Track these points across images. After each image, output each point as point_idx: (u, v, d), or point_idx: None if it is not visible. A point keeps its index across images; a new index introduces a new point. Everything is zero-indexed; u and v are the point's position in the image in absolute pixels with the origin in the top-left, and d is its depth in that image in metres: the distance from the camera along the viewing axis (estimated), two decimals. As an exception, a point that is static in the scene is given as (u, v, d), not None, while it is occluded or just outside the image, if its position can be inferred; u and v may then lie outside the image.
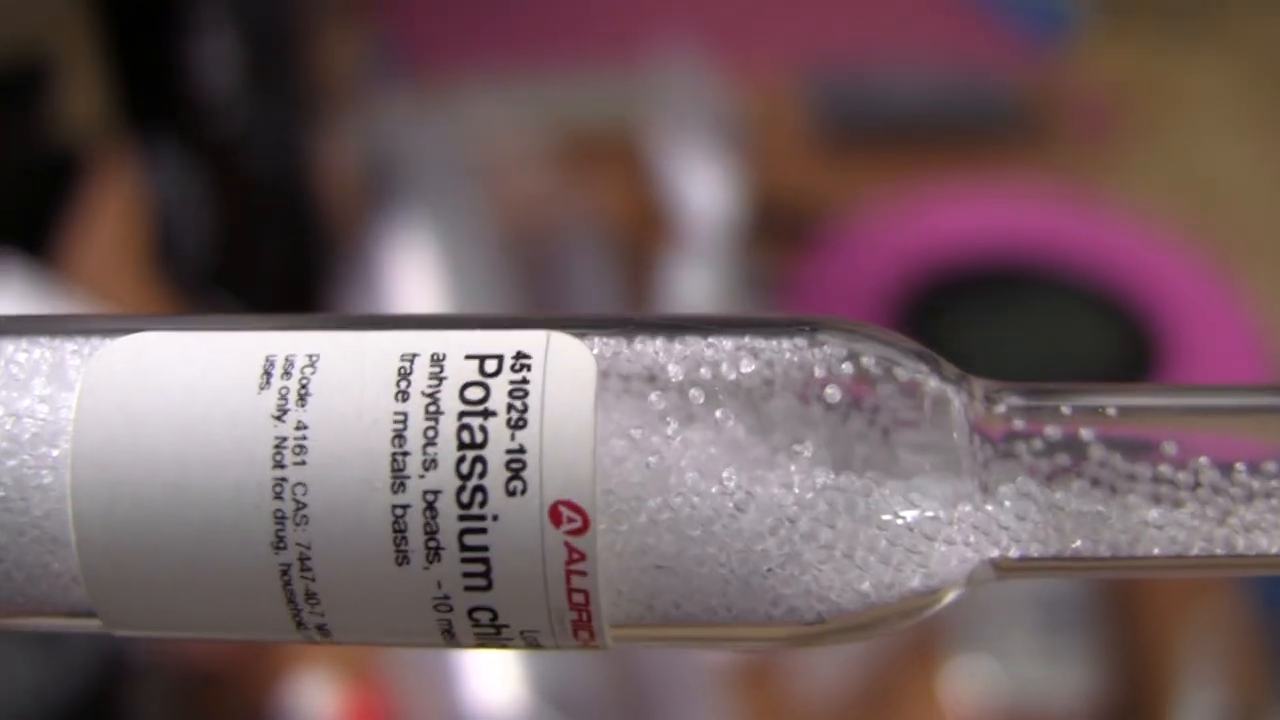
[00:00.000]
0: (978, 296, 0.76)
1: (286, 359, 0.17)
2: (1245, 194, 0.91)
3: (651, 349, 0.18)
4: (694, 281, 0.72)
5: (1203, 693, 0.56)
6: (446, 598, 0.17)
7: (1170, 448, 0.18)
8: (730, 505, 0.17)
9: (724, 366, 0.18)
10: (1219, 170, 0.93)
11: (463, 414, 0.17)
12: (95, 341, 0.18)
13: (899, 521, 0.18)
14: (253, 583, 0.17)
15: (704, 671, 0.56)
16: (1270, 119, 0.97)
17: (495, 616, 0.17)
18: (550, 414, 0.17)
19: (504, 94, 0.87)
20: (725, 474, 0.17)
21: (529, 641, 0.18)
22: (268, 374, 0.17)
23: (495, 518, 0.17)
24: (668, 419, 0.18)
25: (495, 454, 0.17)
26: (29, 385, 0.18)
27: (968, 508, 0.18)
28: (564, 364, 0.17)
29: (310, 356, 0.17)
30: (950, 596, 0.18)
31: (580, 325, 0.18)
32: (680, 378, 0.18)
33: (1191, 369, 0.71)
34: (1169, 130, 0.94)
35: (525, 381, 0.17)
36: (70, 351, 0.18)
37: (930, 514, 0.18)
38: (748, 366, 0.18)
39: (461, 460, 0.17)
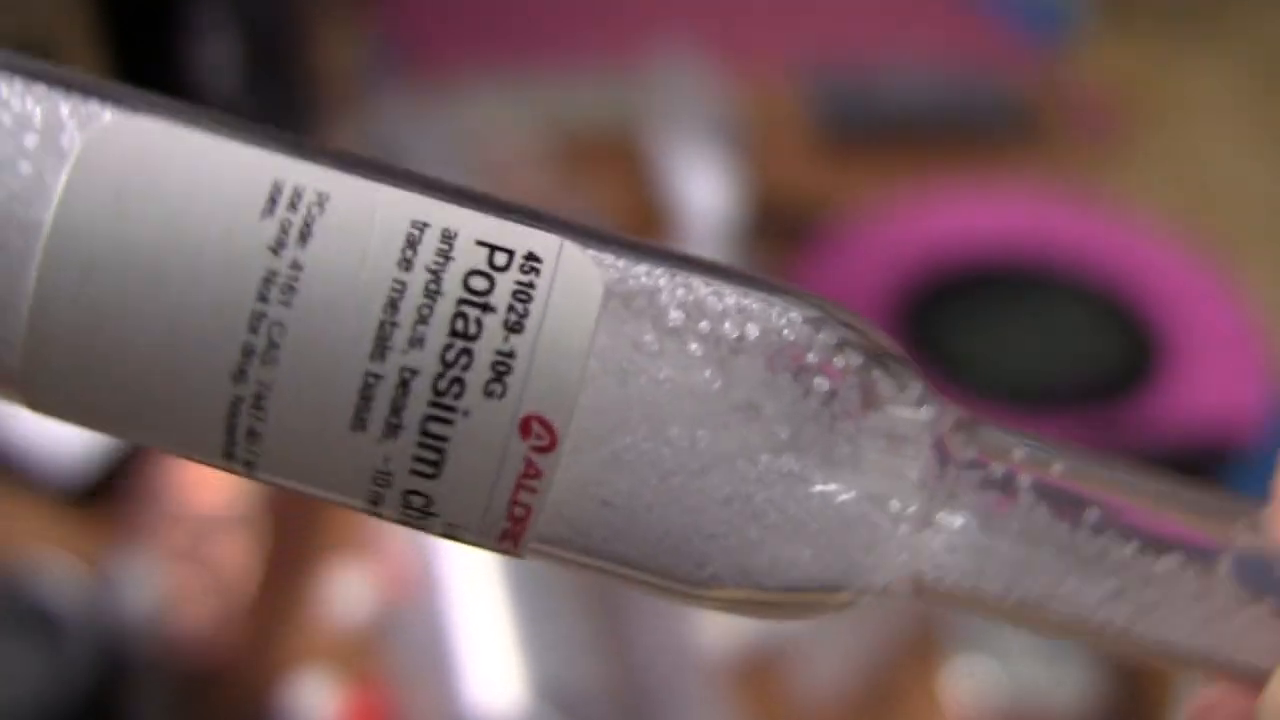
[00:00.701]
0: (978, 296, 0.76)
1: (295, 189, 0.16)
2: (1245, 194, 0.91)
3: (660, 284, 0.17)
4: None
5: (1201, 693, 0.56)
6: (389, 474, 0.16)
7: (1107, 517, 0.18)
8: (696, 465, 0.17)
9: (727, 325, 0.17)
10: (1219, 170, 0.93)
11: (462, 301, 0.16)
12: (94, 107, 0.17)
13: (843, 517, 0.18)
14: (199, 404, 0.16)
15: (704, 671, 0.56)
16: (1270, 119, 0.97)
17: (429, 504, 0.17)
18: (549, 325, 0.16)
19: (504, 94, 0.87)
20: (700, 432, 0.17)
21: (448, 534, 0.17)
22: (274, 201, 0.16)
23: (466, 413, 0.16)
24: (661, 361, 0.17)
25: (484, 350, 0.16)
26: (19, 139, 0.16)
27: (907, 524, 0.18)
28: (572, 278, 0.17)
29: (320, 194, 0.16)
30: (864, 600, 0.18)
31: (595, 238, 0.17)
32: (680, 324, 0.17)
33: (1191, 368, 0.71)
34: (1169, 130, 0.94)
35: (531, 286, 0.16)
36: (67, 113, 0.17)
37: (874, 518, 0.18)
38: (749, 330, 0.17)
39: (449, 347, 0.16)
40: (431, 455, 0.16)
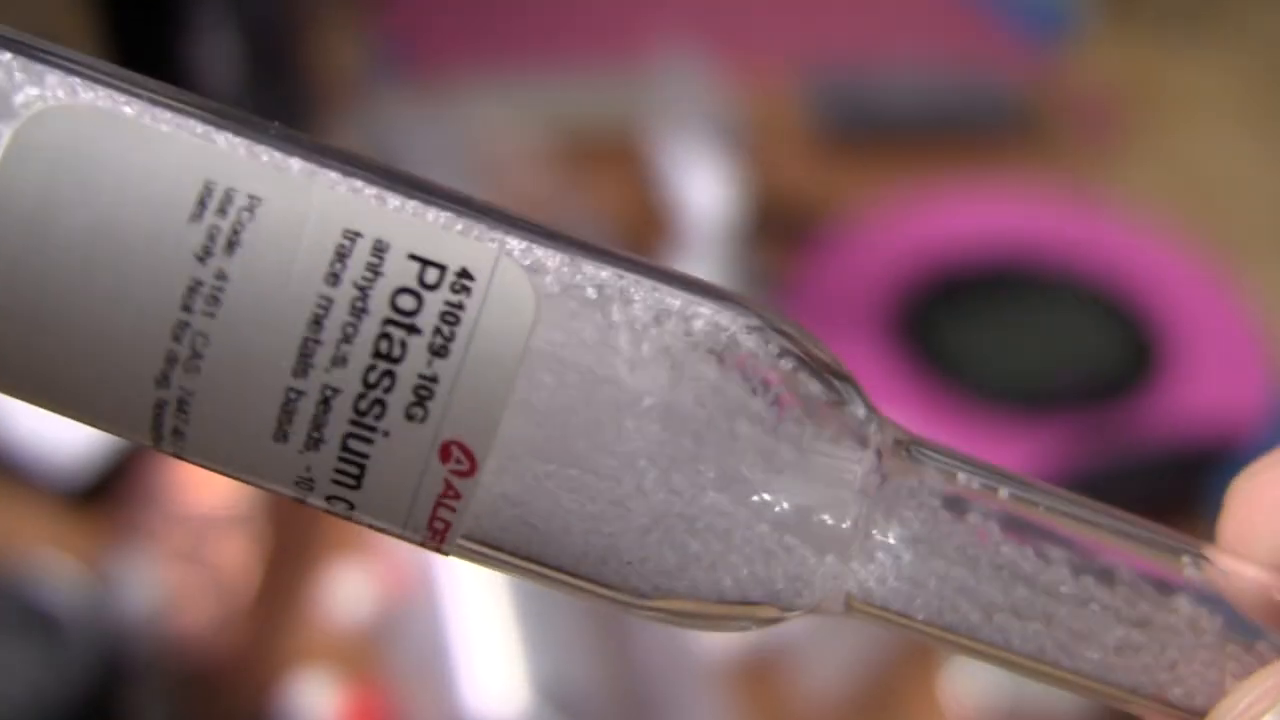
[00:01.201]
0: (978, 296, 0.76)
1: (226, 192, 0.16)
2: (1245, 193, 0.91)
3: (596, 294, 0.17)
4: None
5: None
6: (311, 480, 0.16)
7: (1046, 544, 0.18)
8: (619, 491, 0.17)
9: (662, 337, 0.17)
10: (1219, 170, 0.93)
11: (388, 321, 0.16)
12: (39, 69, 0.16)
13: (774, 532, 0.17)
14: (125, 402, 0.16)
15: (704, 670, 0.56)
16: (1270, 119, 0.97)
17: (351, 508, 0.17)
18: (474, 352, 0.16)
19: (504, 94, 0.87)
20: (625, 456, 0.17)
21: (376, 529, 0.17)
22: (203, 203, 0.16)
23: (386, 434, 0.16)
24: (589, 379, 0.17)
25: (407, 374, 0.16)
26: None
27: (840, 541, 0.18)
28: (504, 299, 0.16)
29: (251, 198, 0.16)
30: (793, 616, 0.18)
31: (539, 239, 0.17)
32: (612, 337, 0.17)
33: (1191, 368, 0.71)
34: (1169, 130, 0.94)
35: (460, 307, 0.16)
36: (12, 79, 0.16)
37: (806, 533, 0.17)
38: (684, 340, 0.17)
39: (371, 369, 0.16)
40: (352, 469, 0.16)
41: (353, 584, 0.59)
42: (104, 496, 0.62)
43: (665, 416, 0.17)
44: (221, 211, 0.16)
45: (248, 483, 0.17)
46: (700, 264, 0.73)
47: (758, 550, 0.17)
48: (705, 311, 0.17)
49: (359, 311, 0.16)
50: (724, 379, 0.17)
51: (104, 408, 0.16)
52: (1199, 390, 0.70)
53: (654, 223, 0.77)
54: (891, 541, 0.18)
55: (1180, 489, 0.63)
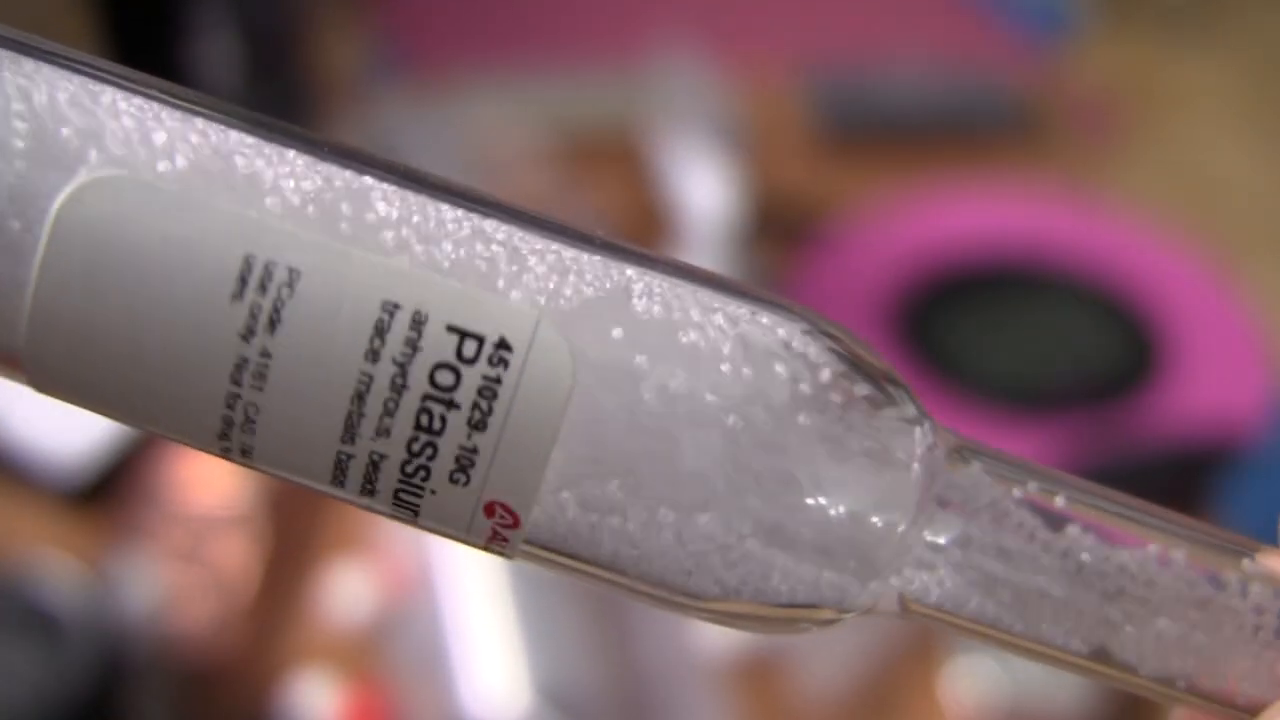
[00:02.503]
0: (978, 296, 0.76)
1: (266, 266, 0.16)
2: (1245, 193, 0.91)
3: (643, 303, 0.17)
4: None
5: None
6: (372, 507, 0.18)
7: (1099, 545, 0.18)
8: (677, 502, 0.17)
9: (712, 345, 0.17)
10: (1218, 169, 0.93)
11: (427, 397, 0.16)
12: (95, 87, 0.17)
13: (830, 535, 0.17)
14: (192, 425, 0.17)
15: (704, 671, 0.56)
16: (1270, 118, 0.97)
17: (416, 518, 0.18)
18: (513, 423, 0.16)
19: (504, 94, 0.87)
20: (679, 466, 0.17)
21: (442, 536, 0.18)
22: (244, 280, 0.16)
23: (433, 492, 0.17)
24: (641, 391, 0.17)
25: (448, 445, 0.16)
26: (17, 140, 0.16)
27: (895, 543, 0.18)
28: (542, 368, 0.16)
29: (291, 271, 0.16)
30: (850, 617, 0.18)
31: (582, 245, 0.17)
32: (663, 347, 0.17)
33: (1191, 368, 0.71)
34: (1169, 130, 0.94)
35: (498, 381, 0.16)
36: (75, 108, 0.17)
37: (861, 536, 0.18)
38: (736, 348, 0.17)
39: (414, 440, 0.17)
40: (407, 513, 0.17)
41: (353, 584, 0.59)
42: (104, 496, 0.62)
43: (720, 426, 0.17)
44: (262, 289, 0.16)
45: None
46: (700, 263, 0.73)
47: (814, 553, 0.17)
48: (762, 320, 0.17)
49: (399, 388, 0.16)
50: (779, 386, 0.17)
51: (174, 428, 0.17)
52: (1199, 390, 0.70)
53: (654, 223, 0.77)
54: (944, 543, 0.18)
55: (1180, 489, 0.63)
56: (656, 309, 0.17)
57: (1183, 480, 0.64)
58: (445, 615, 0.54)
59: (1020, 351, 0.74)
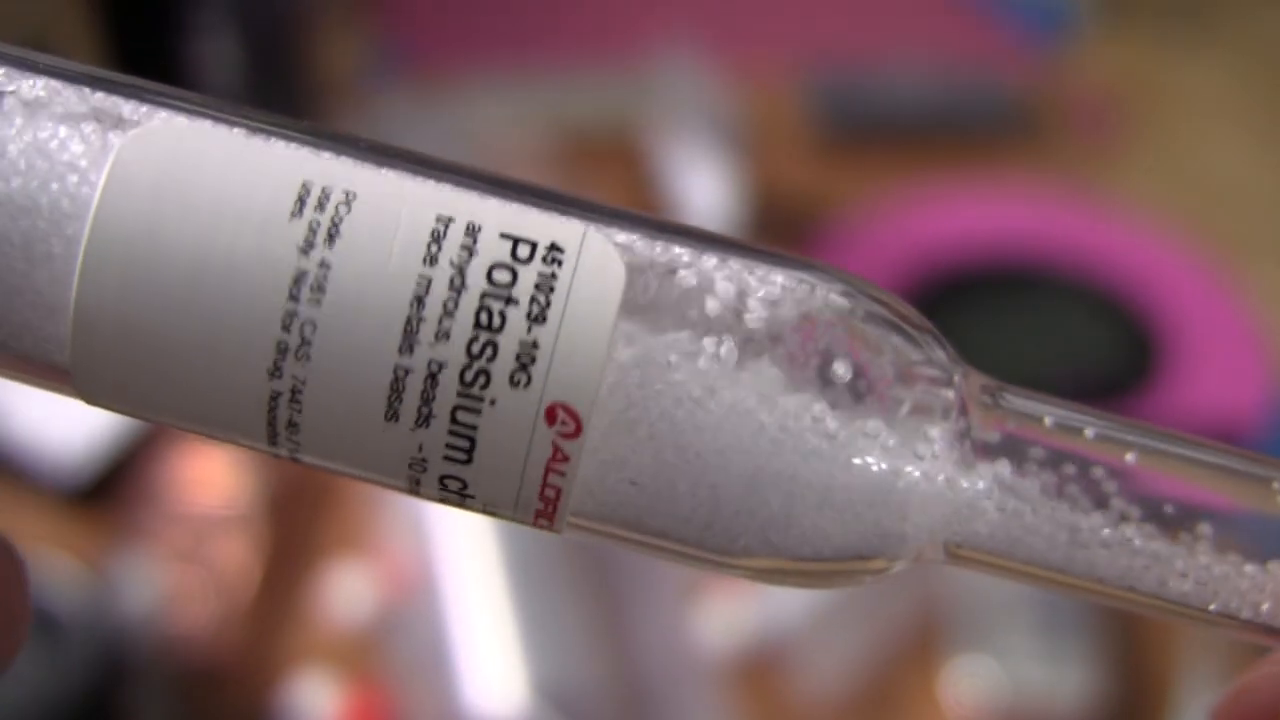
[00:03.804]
0: (978, 296, 0.76)
1: (323, 190, 0.17)
2: (1245, 193, 0.91)
3: (684, 262, 0.18)
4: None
5: (1202, 694, 0.56)
6: (424, 461, 0.17)
7: (1136, 482, 0.18)
8: (721, 443, 0.17)
9: (753, 301, 0.18)
10: (1219, 170, 0.93)
11: (485, 295, 0.17)
12: (130, 107, 0.17)
13: (874, 485, 0.18)
14: (239, 398, 0.17)
15: (704, 671, 0.56)
16: (1270, 118, 0.97)
17: (465, 487, 0.17)
18: (571, 315, 0.17)
19: (504, 94, 0.87)
20: (725, 411, 0.17)
21: (489, 511, 0.18)
22: (301, 201, 0.17)
23: (493, 402, 0.17)
24: (685, 341, 0.17)
25: (508, 342, 0.17)
26: (61, 145, 0.17)
27: (937, 490, 0.18)
28: (594, 267, 0.17)
29: (347, 193, 0.17)
30: (899, 566, 0.19)
31: (618, 219, 0.18)
32: (705, 302, 0.18)
33: (1191, 368, 0.71)
34: (1169, 130, 0.94)
35: (554, 276, 0.17)
36: (104, 114, 0.17)
37: (904, 485, 0.18)
38: (776, 306, 0.18)
39: (474, 340, 0.17)
40: (463, 443, 0.17)
41: (353, 584, 0.59)
42: (104, 496, 0.62)
43: (758, 372, 0.17)
44: (320, 207, 0.17)
45: (363, 478, 0.18)
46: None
47: (859, 502, 0.18)
48: (785, 280, 0.18)
49: (457, 288, 0.17)
50: (816, 337, 0.18)
51: (219, 409, 0.17)
52: (1199, 389, 0.70)
53: (654, 223, 0.77)
54: (985, 487, 0.18)
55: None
56: (692, 275, 0.18)
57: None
58: (445, 615, 0.54)
59: (1020, 351, 0.74)
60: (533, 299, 0.17)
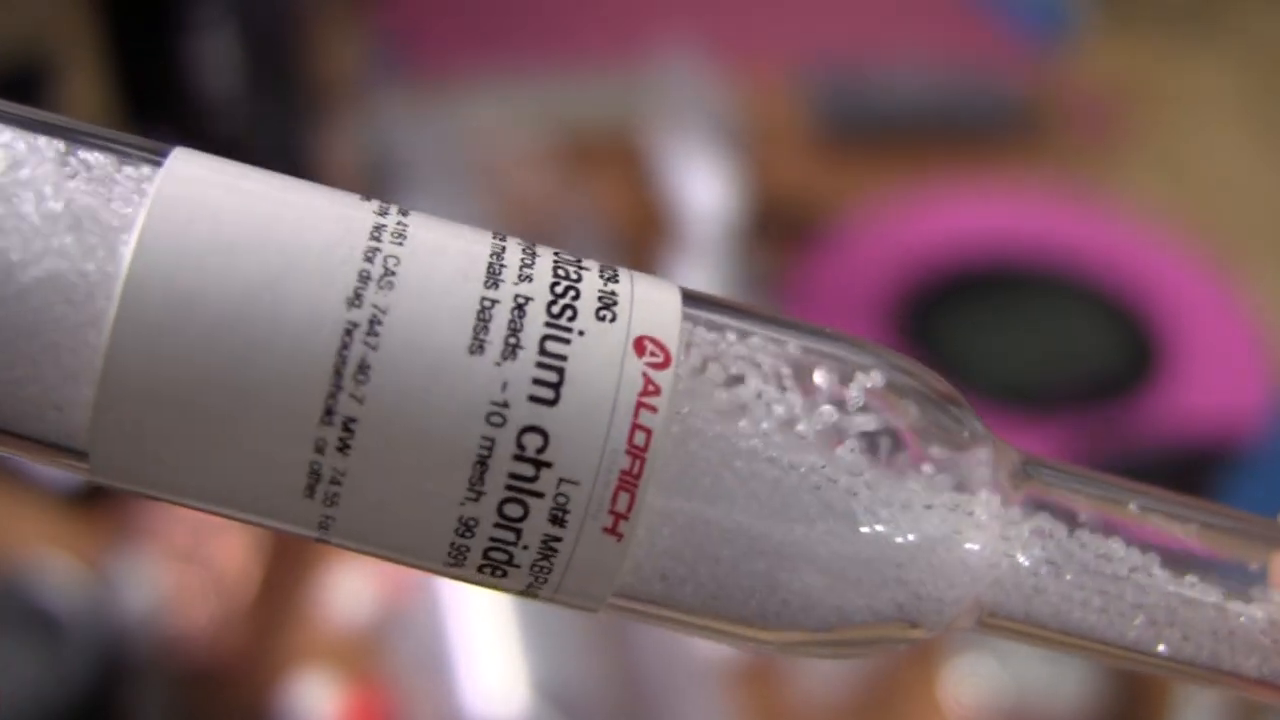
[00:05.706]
0: (978, 296, 0.76)
1: (380, 215, 0.17)
2: (1245, 193, 0.91)
3: (725, 335, 0.18)
4: (694, 281, 0.72)
5: (1201, 694, 0.56)
6: (505, 405, 0.16)
7: (1169, 556, 0.19)
8: (758, 522, 0.17)
9: (790, 374, 0.18)
10: (1218, 169, 0.93)
11: (558, 264, 0.17)
12: (146, 170, 0.17)
13: (907, 559, 0.18)
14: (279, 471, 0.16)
15: (704, 671, 0.56)
16: (1270, 118, 0.97)
17: (543, 448, 0.16)
18: (640, 289, 0.17)
19: (504, 94, 0.87)
20: (764, 487, 0.17)
21: (554, 517, 0.16)
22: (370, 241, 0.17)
23: (581, 333, 0.16)
24: (727, 415, 0.17)
25: (588, 289, 0.17)
26: (81, 213, 0.16)
27: (969, 562, 0.18)
28: (648, 282, 0.18)
29: (400, 223, 0.17)
30: (932, 635, 0.19)
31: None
32: (746, 375, 0.18)
33: (1191, 369, 0.71)
34: (1169, 130, 0.94)
35: (615, 278, 0.17)
36: (122, 177, 0.16)
37: (937, 559, 0.18)
38: (813, 380, 0.18)
39: (556, 284, 0.17)
40: (551, 375, 0.16)
41: (353, 584, 0.59)
42: (104, 496, 0.62)
43: (802, 446, 0.17)
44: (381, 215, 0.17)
45: (416, 476, 0.17)
46: (700, 264, 0.73)
47: (891, 577, 0.18)
48: (819, 353, 0.18)
49: (530, 254, 0.17)
50: (859, 411, 0.18)
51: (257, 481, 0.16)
52: (1199, 390, 0.70)
53: (654, 223, 0.77)
54: (1017, 559, 0.18)
55: (1180, 489, 0.63)
56: (733, 347, 0.18)
57: (1183, 480, 0.64)
58: (445, 615, 0.54)
59: (1020, 351, 0.74)
60: (601, 271, 0.17)
